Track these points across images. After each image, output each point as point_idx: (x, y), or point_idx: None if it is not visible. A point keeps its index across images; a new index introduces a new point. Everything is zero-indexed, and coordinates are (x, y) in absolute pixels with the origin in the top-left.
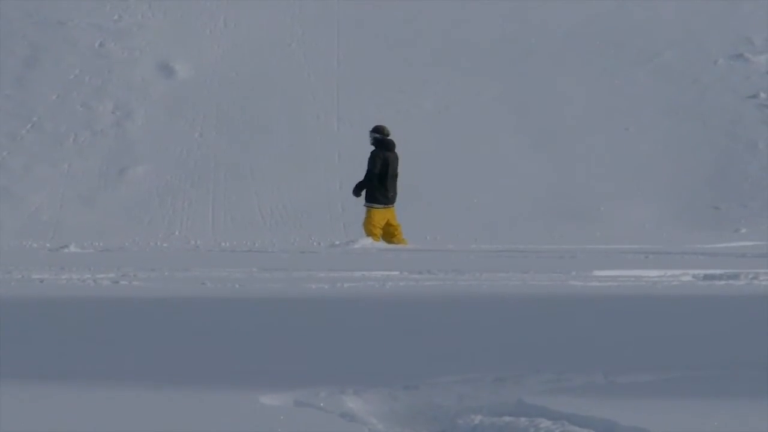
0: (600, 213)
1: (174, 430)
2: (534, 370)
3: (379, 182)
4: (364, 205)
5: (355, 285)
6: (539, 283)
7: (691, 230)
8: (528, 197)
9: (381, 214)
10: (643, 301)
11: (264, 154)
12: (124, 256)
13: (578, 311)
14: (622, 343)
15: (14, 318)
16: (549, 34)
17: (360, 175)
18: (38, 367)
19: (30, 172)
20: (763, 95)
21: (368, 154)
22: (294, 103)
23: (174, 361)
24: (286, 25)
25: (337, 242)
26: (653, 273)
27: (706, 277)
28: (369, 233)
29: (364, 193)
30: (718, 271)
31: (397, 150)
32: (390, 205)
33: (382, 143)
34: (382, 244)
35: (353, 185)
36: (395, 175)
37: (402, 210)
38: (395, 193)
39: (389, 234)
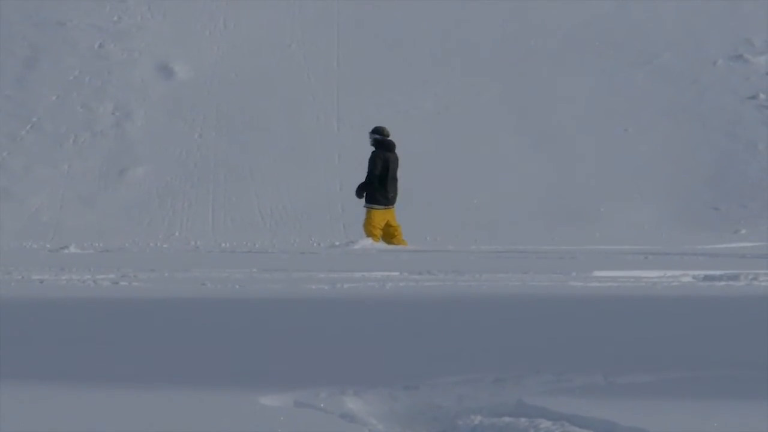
0: (600, 214)
1: (174, 430)
2: (534, 370)
3: (379, 183)
4: (364, 206)
5: (355, 286)
6: (539, 283)
7: (691, 231)
8: (528, 198)
9: (381, 215)
10: (642, 301)
11: (264, 155)
12: (124, 256)
13: (578, 312)
14: (622, 343)
15: (14, 319)
16: (549, 35)
17: (360, 176)
18: (38, 368)
19: (30, 173)
20: (762, 96)
21: (368, 155)
22: (294, 103)
23: (174, 362)
24: (285, 26)
25: (337, 243)
26: (653, 274)
27: (706, 278)
28: (369, 234)
29: (357, 189)
30: (717, 272)
31: (397, 151)
32: (390, 206)
33: (382, 144)
34: (382, 245)
35: (354, 187)
36: (395, 176)
37: (402, 211)
38: (395, 194)
39: (389, 235)
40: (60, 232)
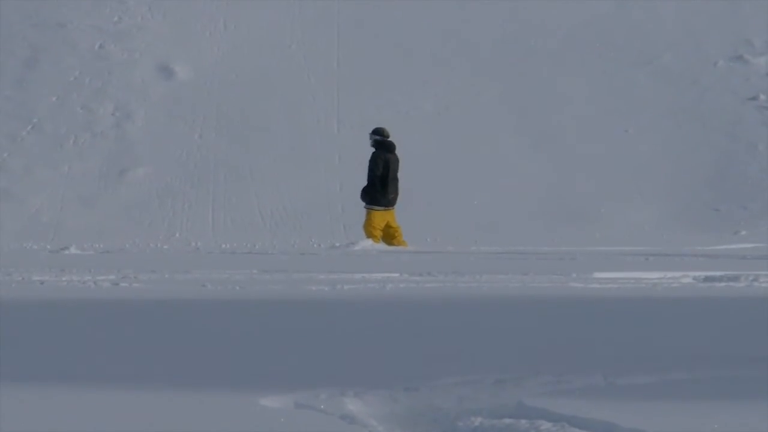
0: (600, 214)
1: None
2: (534, 372)
3: (379, 184)
4: (364, 207)
5: (356, 287)
6: (539, 284)
7: (691, 232)
8: (528, 199)
9: (381, 216)
10: (643, 302)
11: (264, 156)
12: (124, 257)
13: (578, 313)
14: (622, 344)
15: (15, 320)
16: (549, 36)
17: (360, 176)
18: (39, 369)
19: (30, 174)
20: (762, 97)
21: (368, 156)
22: (294, 104)
23: (174, 363)
24: (285, 27)
25: (338, 244)
26: (653, 275)
27: (707, 279)
28: (369, 235)
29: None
30: (718, 273)
31: (397, 151)
32: (390, 207)
33: (382, 145)
34: (382, 246)
35: (356, 190)
36: (396, 177)
37: (402, 211)
38: (396, 195)
39: (389, 236)
40: (60, 233)
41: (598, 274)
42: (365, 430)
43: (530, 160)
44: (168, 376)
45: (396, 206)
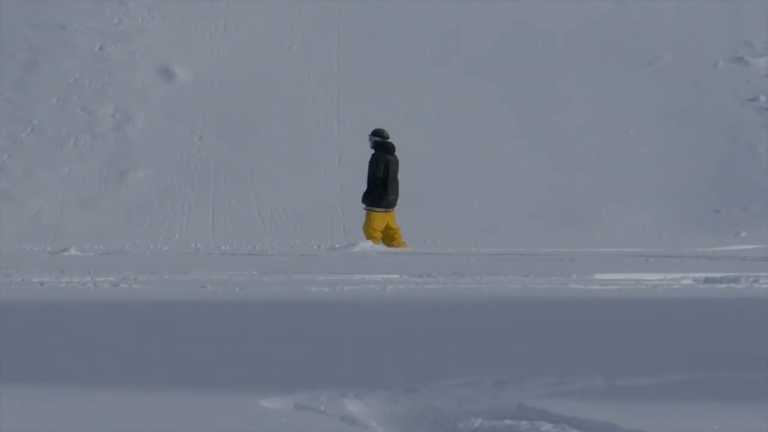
0: (600, 216)
1: None
2: (534, 373)
3: (380, 185)
4: (364, 209)
5: (355, 288)
6: (539, 286)
7: (692, 233)
8: (528, 200)
9: (381, 218)
10: (643, 304)
11: (264, 157)
12: (124, 259)
13: (578, 314)
14: (623, 346)
15: (14, 321)
16: (549, 37)
17: (360, 178)
18: (38, 370)
19: (30, 176)
20: (763, 98)
21: (368, 158)
22: (294, 106)
23: (174, 364)
24: (285, 28)
25: (337, 245)
26: (654, 276)
27: (707, 281)
28: (369, 236)
29: (362, 195)
30: (718, 275)
31: (397, 153)
32: (390, 209)
33: (382, 146)
34: (382, 248)
35: (357, 192)
36: (396, 179)
37: (402, 213)
38: (396, 197)
39: (389, 237)
40: (60, 234)
41: (598, 276)
42: None
43: (530, 161)
44: (168, 377)
45: (396, 208)
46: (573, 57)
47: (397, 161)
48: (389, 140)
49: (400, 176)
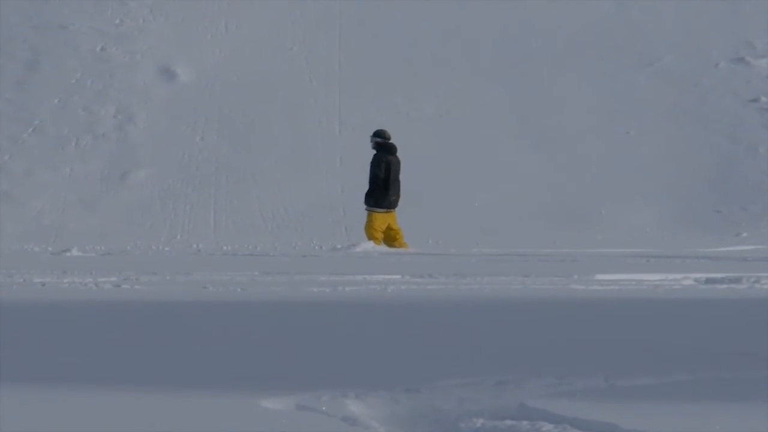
0: (601, 216)
1: None
2: (535, 373)
3: (381, 186)
4: (366, 209)
5: (357, 289)
6: (540, 286)
7: (693, 234)
8: (529, 201)
9: (382, 218)
10: (644, 304)
11: (265, 158)
12: (125, 259)
13: (579, 315)
14: (624, 346)
15: (16, 321)
16: (550, 37)
17: (361, 178)
18: (40, 370)
19: (32, 176)
20: (764, 99)
21: (370, 158)
22: (295, 106)
23: (176, 365)
24: (287, 29)
25: (339, 246)
26: (655, 277)
27: (708, 281)
28: (370, 237)
29: (364, 196)
30: (719, 275)
31: (398, 154)
32: (391, 210)
33: (383, 147)
34: (383, 248)
35: (358, 192)
36: (397, 179)
37: (403, 214)
38: (397, 197)
39: (390, 238)
40: (62, 235)
41: (599, 276)
42: None
43: (531, 161)
44: (169, 377)
45: (397, 208)
46: (573, 57)
47: (398, 162)
48: (390, 141)
49: (401, 177)
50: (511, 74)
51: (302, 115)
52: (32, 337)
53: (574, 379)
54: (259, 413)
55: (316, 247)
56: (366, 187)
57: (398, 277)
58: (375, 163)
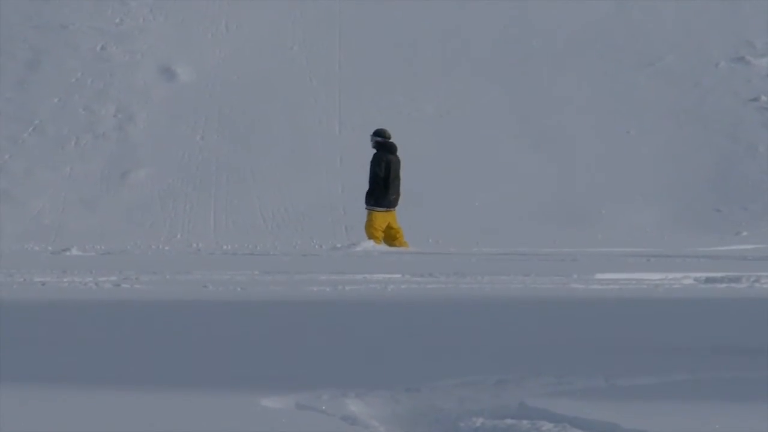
0: (601, 216)
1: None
2: (535, 372)
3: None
4: (366, 208)
5: (357, 288)
6: (541, 286)
7: (693, 233)
8: (529, 200)
9: (382, 217)
10: (644, 304)
11: (266, 157)
12: (125, 259)
13: (580, 314)
14: (624, 345)
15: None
16: (550, 37)
17: (361, 178)
18: (40, 370)
19: (31, 176)
20: (764, 98)
21: (370, 158)
22: (295, 106)
23: (176, 364)
24: (287, 29)
25: (339, 245)
26: (655, 276)
27: (708, 280)
28: (371, 236)
29: (365, 195)
30: (719, 274)
31: (398, 153)
32: (391, 209)
33: (383, 146)
34: (383, 247)
35: (358, 192)
36: (397, 179)
37: (404, 213)
38: (398, 197)
39: (390, 237)
40: (62, 234)
41: (599, 275)
42: (367, 431)
43: (531, 161)
44: (169, 376)
45: (398, 208)
46: (573, 57)
47: (398, 161)
48: (391, 140)
49: (401, 176)
50: (511, 74)
51: (302, 115)
52: (32, 337)
53: (575, 378)
54: (259, 412)
55: (317, 247)
56: (366, 186)
57: (398, 276)
58: (375, 163)
